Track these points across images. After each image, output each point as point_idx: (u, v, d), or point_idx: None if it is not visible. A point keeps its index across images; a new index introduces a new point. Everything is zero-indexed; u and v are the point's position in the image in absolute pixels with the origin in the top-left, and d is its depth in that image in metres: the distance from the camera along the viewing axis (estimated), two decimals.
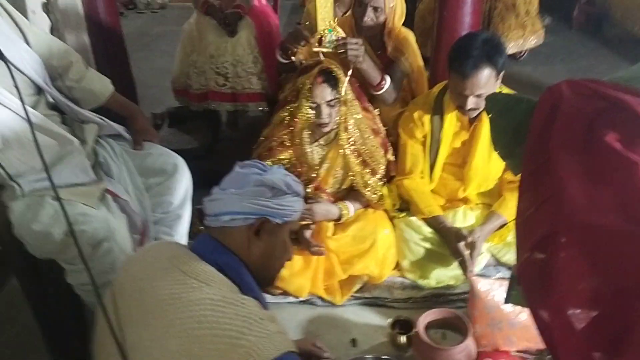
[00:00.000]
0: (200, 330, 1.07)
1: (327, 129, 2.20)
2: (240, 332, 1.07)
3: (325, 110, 2.13)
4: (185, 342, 1.06)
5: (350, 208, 2.31)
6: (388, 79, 2.42)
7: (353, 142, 2.24)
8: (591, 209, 1.03)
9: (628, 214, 0.99)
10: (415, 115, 2.29)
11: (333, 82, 2.12)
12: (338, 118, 2.19)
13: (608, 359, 0.98)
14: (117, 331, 1.13)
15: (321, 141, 2.28)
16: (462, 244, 2.14)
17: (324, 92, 2.12)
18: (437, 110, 2.27)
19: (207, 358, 1.05)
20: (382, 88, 2.41)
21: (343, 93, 2.14)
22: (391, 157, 2.37)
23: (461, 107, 2.14)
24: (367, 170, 2.29)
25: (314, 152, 2.28)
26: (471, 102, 2.08)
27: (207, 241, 1.28)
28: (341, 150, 2.24)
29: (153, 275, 1.20)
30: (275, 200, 1.27)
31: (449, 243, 2.19)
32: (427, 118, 2.28)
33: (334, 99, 2.13)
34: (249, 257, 1.28)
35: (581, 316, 1.02)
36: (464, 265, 2.13)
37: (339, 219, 2.28)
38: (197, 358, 1.05)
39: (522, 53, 4.23)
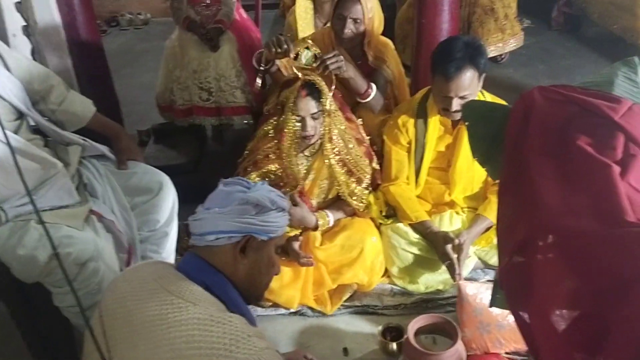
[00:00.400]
0: (189, 351, 1.08)
1: (311, 141, 2.22)
2: (228, 350, 1.08)
3: (309, 122, 2.15)
4: None
5: (329, 217, 2.31)
6: (374, 86, 2.45)
7: (338, 152, 2.25)
8: (566, 212, 1.05)
9: (601, 216, 1.01)
10: (400, 122, 2.32)
11: (316, 94, 2.14)
12: (322, 129, 2.21)
13: (589, 359, 0.99)
14: (105, 352, 1.13)
15: (306, 152, 2.29)
16: (449, 247, 2.16)
17: (308, 105, 2.14)
18: (421, 115, 2.30)
19: None
20: (369, 95, 2.44)
21: (327, 105, 2.16)
22: (376, 166, 2.39)
23: (446, 110, 2.17)
24: (353, 180, 2.30)
25: (300, 163, 2.29)
26: (456, 104, 2.11)
27: (193, 260, 1.28)
28: (326, 161, 2.25)
29: (140, 295, 1.20)
30: (259, 218, 1.27)
31: (437, 247, 2.21)
32: (411, 123, 2.31)
33: (318, 111, 2.15)
34: (236, 274, 1.29)
35: (561, 318, 1.04)
36: (452, 269, 2.15)
37: (316, 227, 2.29)
38: None
39: (503, 56, 4.28)
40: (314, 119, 2.16)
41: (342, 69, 2.25)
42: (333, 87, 2.21)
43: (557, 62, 4.41)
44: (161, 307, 1.15)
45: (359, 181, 2.32)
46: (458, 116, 2.19)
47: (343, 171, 2.29)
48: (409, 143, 2.33)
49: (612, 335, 0.96)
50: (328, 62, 2.19)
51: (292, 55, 2.16)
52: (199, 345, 1.08)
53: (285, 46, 2.16)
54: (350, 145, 2.28)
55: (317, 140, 2.25)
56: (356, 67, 2.49)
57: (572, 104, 1.22)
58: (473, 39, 2.17)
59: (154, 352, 1.10)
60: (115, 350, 1.15)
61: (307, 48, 2.16)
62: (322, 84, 2.15)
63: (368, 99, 2.46)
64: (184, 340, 1.09)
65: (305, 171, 2.31)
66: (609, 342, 0.96)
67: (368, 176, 2.35)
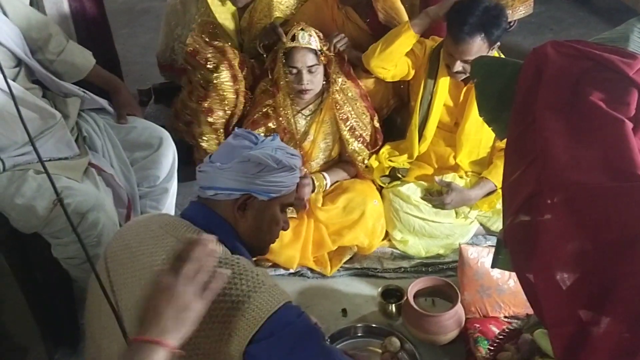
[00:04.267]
0: None
1: (307, 96, 2.18)
2: (239, 289, 1.09)
3: (306, 76, 2.11)
4: None
5: (326, 180, 2.30)
6: None
7: (340, 107, 2.23)
8: (575, 167, 1.03)
9: (612, 170, 0.98)
10: (418, 42, 2.28)
11: (314, 51, 2.11)
12: (323, 83, 2.19)
13: (593, 316, 0.98)
14: (111, 295, 1.13)
15: (304, 112, 2.26)
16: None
17: (305, 57, 2.10)
18: (432, 65, 2.26)
19: (209, 318, 1.06)
20: None
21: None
22: (377, 124, 2.36)
23: (449, 69, 2.15)
24: (354, 138, 2.28)
25: (298, 122, 2.26)
26: (458, 66, 2.09)
27: (198, 208, 1.28)
28: (328, 116, 2.23)
29: (146, 242, 1.20)
30: (261, 177, 1.25)
31: None
32: (426, 56, 2.28)
33: (315, 64, 2.12)
34: (238, 227, 1.28)
35: (566, 276, 1.02)
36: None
37: (312, 189, 2.26)
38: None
39: (512, 23, 4.19)
40: (311, 72, 2.12)
41: (348, 46, 2.28)
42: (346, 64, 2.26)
43: (567, 31, 4.33)
44: (168, 252, 1.15)
45: (360, 139, 2.29)
46: (460, 77, 2.16)
47: (345, 127, 2.26)
48: (418, 58, 2.29)
49: (617, 292, 0.95)
50: (335, 41, 2.20)
51: (284, 39, 2.14)
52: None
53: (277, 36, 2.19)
54: (353, 98, 2.26)
55: (316, 99, 2.21)
56: (365, 25, 2.44)
57: (586, 59, 1.18)
58: (496, 6, 2.08)
59: None
60: (120, 293, 1.16)
61: (303, 29, 2.12)
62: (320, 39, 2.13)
63: None
64: None
65: (304, 131, 2.28)
66: (613, 299, 0.95)
67: (368, 133, 2.32)
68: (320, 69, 2.16)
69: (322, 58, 2.15)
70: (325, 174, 2.32)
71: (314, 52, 2.11)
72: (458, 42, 2.04)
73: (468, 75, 2.13)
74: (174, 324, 0.90)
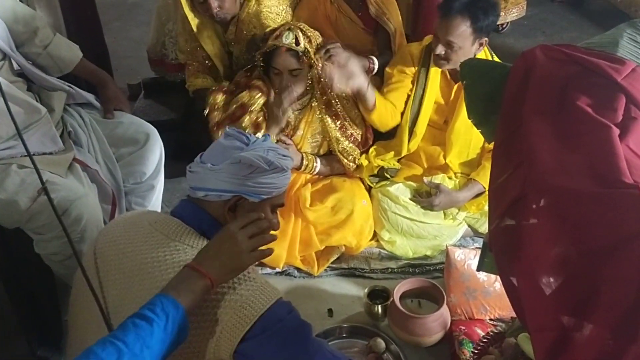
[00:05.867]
0: None
1: (291, 97, 2.16)
2: (231, 287, 1.11)
3: (287, 78, 2.11)
4: None
5: (317, 163, 2.30)
6: (374, 59, 2.39)
7: (330, 105, 2.22)
8: (561, 172, 1.02)
9: (597, 176, 0.98)
10: (408, 55, 2.28)
11: (296, 53, 2.09)
12: (308, 86, 2.18)
13: (576, 321, 0.97)
14: (98, 292, 1.13)
15: (294, 106, 2.25)
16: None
17: (287, 61, 2.10)
18: (425, 60, 2.25)
19: (200, 316, 1.08)
20: (373, 69, 2.38)
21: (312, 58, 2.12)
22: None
23: (432, 52, 2.14)
24: (344, 137, 2.28)
25: (289, 116, 2.26)
26: (440, 48, 2.08)
27: (188, 206, 1.28)
28: (318, 113, 2.23)
29: (134, 239, 1.20)
30: (252, 178, 1.24)
31: None
32: (417, 58, 2.28)
33: (297, 69, 2.11)
34: None
35: (549, 281, 1.02)
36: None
37: (299, 167, 2.26)
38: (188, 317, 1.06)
39: (505, 25, 4.20)
40: (293, 75, 2.11)
41: (342, 55, 2.21)
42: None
43: (559, 34, 4.34)
44: (157, 250, 1.15)
45: (350, 138, 2.29)
46: (442, 65, 2.15)
47: (336, 126, 2.26)
48: (413, 75, 2.28)
49: (600, 298, 0.94)
50: (330, 49, 2.16)
51: (271, 39, 2.12)
52: None
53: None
54: (344, 96, 2.24)
55: (306, 96, 2.21)
56: (357, 18, 2.43)
57: (574, 64, 1.18)
58: None
59: (152, 292, 1.09)
60: (108, 291, 1.16)
61: (290, 29, 2.11)
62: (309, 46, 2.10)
63: (374, 72, 2.40)
64: None
65: (293, 125, 2.28)
66: (596, 305, 0.95)
67: (360, 132, 2.31)
68: (304, 72, 2.14)
69: (306, 60, 2.12)
70: (317, 158, 2.32)
71: (297, 55, 2.09)
72: (443, 18, 2.04)
73: (451, 67, 2.14)
74: (222, 266, 1.07)
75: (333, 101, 2.22)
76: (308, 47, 2.10)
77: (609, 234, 0.94)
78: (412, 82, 2.28)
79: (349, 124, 2.28)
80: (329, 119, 2.24)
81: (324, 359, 1.18)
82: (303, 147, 2.31)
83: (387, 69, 2.34)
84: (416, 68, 2.27)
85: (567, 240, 0.99)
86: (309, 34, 2.14)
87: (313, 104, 2.25)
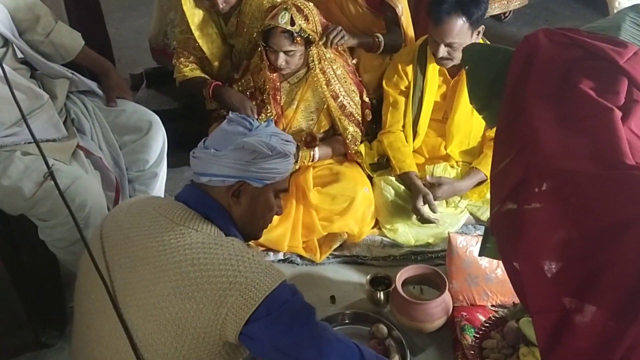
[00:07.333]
0: (195, 273, 1.10)
1: (285, 72, 2.23)
2: (236, 270, 1.11)
3: (282, 57, 2.14)
4: (180, 285, 1.10)
5: (314, 151, 2.32)
6: (380, 36, 2.38)
7: (328, 83, 2.24)
8: (564, 155, 1.02)
9: (600, 158, 0.98)
10: (399, 66, 2.28)
11: (291, 34, 2.11)
12: (311, 62, 2.21)
13: (577, 303, 0.98)
14: (106, 275, 1.14)
15: (291, 80, 2.26)
16: (420, 202, 2.16)
17: (281, 42, 2.12)
18: (421, 61, 2.25)
19: (205, 298, 1.09)
20: (379, 46, 2.37)
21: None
22: (366, 99, 2.38)
23: (434, 55, 2.13)
24: (345, 117, 2.30)
25: (283, 89, 2.28)
26: (442, 51, 2.08)
27: (193, 191, 1.28)
28: (320, 90, 2.25)
29: (139, 223, 1.21)
30: (255, 164, 1.25)
31: (413, 200, 2.20)
32: (410, 69, 2.27)
33: (291, 50, 2.14)
34: (232, 212, 1.29)
35: (551, 264, 1.03)
36: (422, 221, 2.19)
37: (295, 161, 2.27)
38: (194, 299, 1.09)
39: (507, 14, 4.18)
40: (288, 54, 2.15)
41: (345, 39, 2.24)
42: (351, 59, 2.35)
43: (562, 23, 4.31)
44: (162, 234, 1.17)
45: (351, 117, 2.31)
46: (448, 64, 2.15)
47: (337, 105, 2.28)
48: (407, 88, 2.29)
49: (602, 280, 0.95)
50: (331, 37, 2.18)
51: (267, 20, 2.14)
52: (206, 267, 1.11)
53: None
54: (339, 72, 2.27)
55: (301, 69, 2.26)
56: (364, 1, 2.42)
57: (577, 47, 1.17)
58: None
59: (158, 275, 1.12)
60: (114, 275, 1.17)
61: (286, 9, 2.11)
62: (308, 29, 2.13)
63: (381, 49, 2.39)
64: (189, 263, 1.11)
65: (289, 99, 2.30)
66: (598, 287, 0.95)
67: (358, 110, 2.34)
68: (298, 51, 2.17)
69: (299, 40, 2.13)
70: (316, 148, 2.34)
71: (292, 36, 2.11)
72: (438, 23, 2.03)
73: (455, 63, 2.13)
74: None
75: (330, 77, 2.24)
76: (304, 26, 2.12)
77: (612, 216, 0.94)
78: (408, 88, 2.29)
79: (348, 103, 2.30)
80: (329, 98, 2.26)
81: (328, 342, 1.18)
82: (297, 121, 2.34)
83: (384, 86, 2.35)
84: (411, 73, 2.26)
85: (569, 223, 1.00)
86: (306, 11, 2.15)
87: (308, 78, 2.27)
